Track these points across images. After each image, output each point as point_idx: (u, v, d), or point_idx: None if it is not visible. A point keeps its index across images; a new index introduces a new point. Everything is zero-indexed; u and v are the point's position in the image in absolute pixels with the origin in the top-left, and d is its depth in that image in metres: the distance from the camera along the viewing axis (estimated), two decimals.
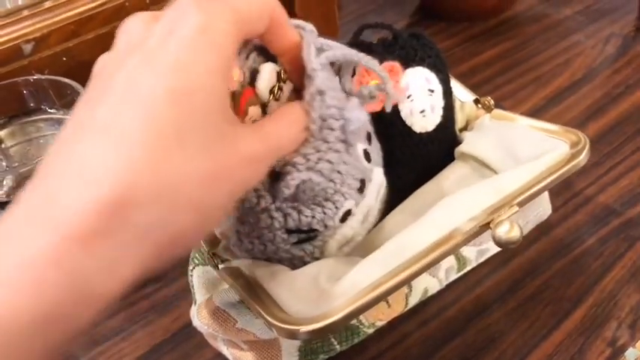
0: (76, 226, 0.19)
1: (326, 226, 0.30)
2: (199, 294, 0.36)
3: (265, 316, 0.28)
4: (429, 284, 0.37)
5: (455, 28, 0.64)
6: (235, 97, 0.29)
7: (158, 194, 0.21)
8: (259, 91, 0.28)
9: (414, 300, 0.36)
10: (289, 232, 0.30)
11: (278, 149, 0.27)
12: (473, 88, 0.43)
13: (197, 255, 0.36)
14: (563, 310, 0.37)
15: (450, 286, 0.38)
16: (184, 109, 0.22)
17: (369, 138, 0.33)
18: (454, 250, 0.32)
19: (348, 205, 0.31)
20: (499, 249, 0.40)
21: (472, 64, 0.59)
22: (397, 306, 0.36)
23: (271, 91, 0.29)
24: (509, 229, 0.31)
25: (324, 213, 0.30)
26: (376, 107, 0.32)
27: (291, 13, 0.58)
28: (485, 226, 0.31)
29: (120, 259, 0.20)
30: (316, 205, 0.30)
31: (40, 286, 0.19)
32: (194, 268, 0.36)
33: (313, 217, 0.30)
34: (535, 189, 0.33)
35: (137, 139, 0.21)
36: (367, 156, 0.32)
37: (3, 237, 0.20)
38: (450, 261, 0.37)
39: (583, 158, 0.34)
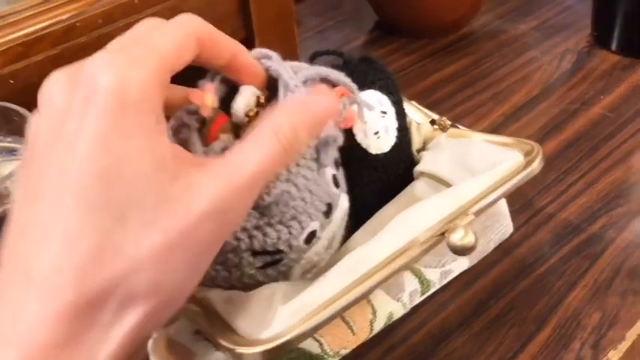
0: (40, 340, 0.20)
1: (291, 247, 0.30)
2: None
3: (216, 338, 0.28)
4: (393, 308, 0.36)
5: (414, 44, 0.65)
6: (207, 123, 0.28)
7: (112, 291, 0.20)
8: (235, 111, 0.28)
9: (378, 325, 0.36)
10: (255, 254, 0.30)
11: (250, 182, 0.23)
12: (432, 105, 0.43)
13: None
14: (528, 332, 0.37)
15: (415, 310, 0.38)
16: (116, 188, 0.21)
17: (336, 164, 0.33)
18: (411, 263, 0.32)
19: (313, 225, 0.30)
20: (462, 270, 0.40)
21: (431, 81, 0.59)
22: (362, 333, 0.35)
23: (247, 115, 0.28)
24: (464, 235, 0.31)
25: (290, 233, 0.30)
26: (346, 124, 0.32)
27: (250, 32, 0.58)
28: (441, 236, 0.32)
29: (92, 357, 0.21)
30: (282, 225, 0.29)
31: None
32: None
33: (279, 238, 0.29)
34: (490, 198, 0.33)
35: (78, 234, 0.20)
36: (336, 182, 0.32)
37: None
38: (414, 284, 0.37)
39: (537, 166, 0.35)
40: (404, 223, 0.32)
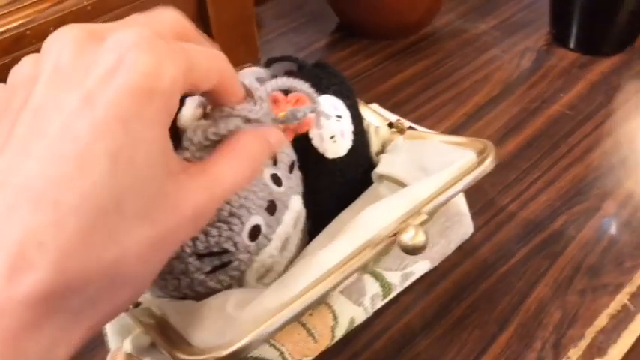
0: (2, 325, 0.18)
1: (235, 245, 0.30)
2: (113, 341, 0.34)
3: (169, 350, 0.28)
4: (355, 314, 0.36)
5: (375, 46, 0.64)
6: None
7: (94, 277, 0.19)
8: (180, 125, 0.27)
9: (340, 332, 0.35)
10: (201, 256, 0.29)
11: (224, 196, 0.25)
12: (394, 107, 0.43)
13: None
14: (490, 333, 0.37)
15: (377, 314, 0.38)
16: (124, 171, 0.20)
17: (291, 167, 0.33)
18: (366, 265, 0.32)
19: (254, 220, 0.30)
20: (424, 272, 0.39)
21: (393, 83, 0.59)
22: (324, 340, 0.35)
23: None
24: (414, 235, 0.31)
25: (231, 230, 0.29)
26: (302, 129, 0.33)
27: (209, 36, 0.57)
28: (394, 237, 0.32)
29: (53, 347, 0.19)
30: (221, 222, 0.29)
31: None
32: None
33: (220, 235, 0.29)
34: (443, 197, 0.34)
35: (73, 208, 0.19)
36: (277, 181, 0.32)
37: None
38: (375, 288, 0.37)
39: (489, 164, 0.35)
40: (359, 225, 0.32)
